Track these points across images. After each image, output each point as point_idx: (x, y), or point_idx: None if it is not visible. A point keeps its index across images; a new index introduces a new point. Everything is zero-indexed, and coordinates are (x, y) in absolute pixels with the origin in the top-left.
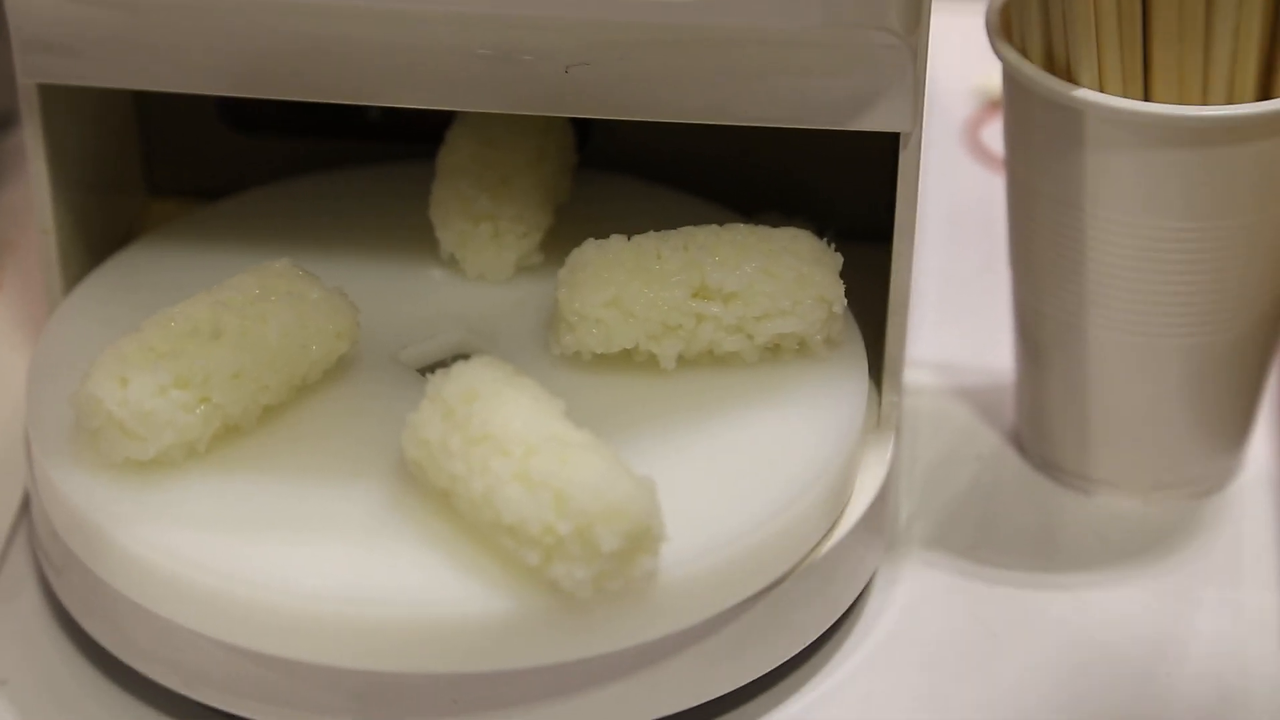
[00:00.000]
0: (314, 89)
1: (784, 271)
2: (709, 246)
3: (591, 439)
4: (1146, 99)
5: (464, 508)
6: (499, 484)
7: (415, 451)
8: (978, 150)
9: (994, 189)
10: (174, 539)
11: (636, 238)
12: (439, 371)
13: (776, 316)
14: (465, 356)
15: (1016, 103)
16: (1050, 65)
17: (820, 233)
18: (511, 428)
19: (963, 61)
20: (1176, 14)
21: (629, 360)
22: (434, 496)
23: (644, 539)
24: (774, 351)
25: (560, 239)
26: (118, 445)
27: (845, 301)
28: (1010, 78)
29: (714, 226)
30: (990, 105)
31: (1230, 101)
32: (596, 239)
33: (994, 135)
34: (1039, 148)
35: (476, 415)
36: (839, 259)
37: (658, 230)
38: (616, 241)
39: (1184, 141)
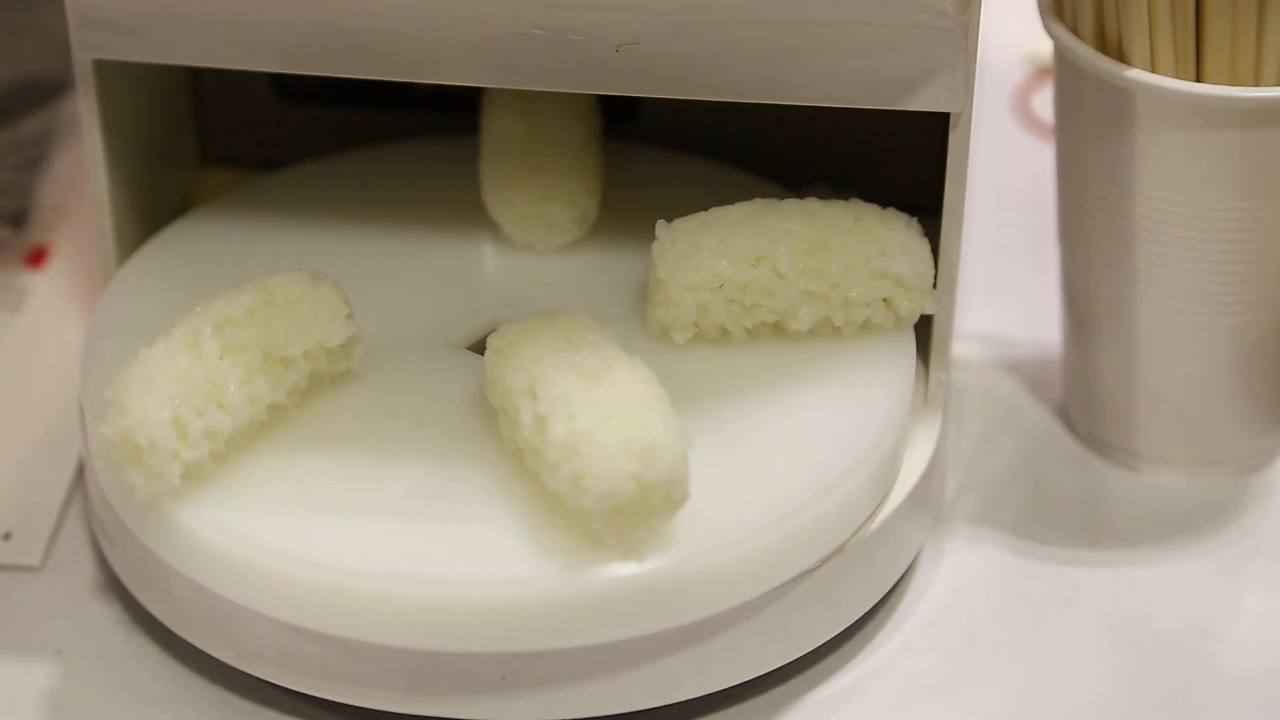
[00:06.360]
0: (366, 67)
1: (866, 250)
2: (791, 230)
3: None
4: (1198, 79)
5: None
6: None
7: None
8: (1028, 118)
9: (1044, 158)
10: (227, 514)
11: (719, 211)
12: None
13: (858, 303)
14: None
15: (1067, 81)
16: (1102, 44)
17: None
18: (625, 380)
19: (1013, 28)
20: None
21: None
22: (486, 471)
23: (673, 487)
24: (865, 327)
25: (610, 212)
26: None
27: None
28: (1061, 57)
29: (798, 202)
30: (1041, 72)
31: None
32: (686, 216)
33: (1044, 103)
34: (1090, 126)
35: (601, 357)
36: (925, 244)
37: (715, 205)
38: (714, 215)
39: (1236, 122)
